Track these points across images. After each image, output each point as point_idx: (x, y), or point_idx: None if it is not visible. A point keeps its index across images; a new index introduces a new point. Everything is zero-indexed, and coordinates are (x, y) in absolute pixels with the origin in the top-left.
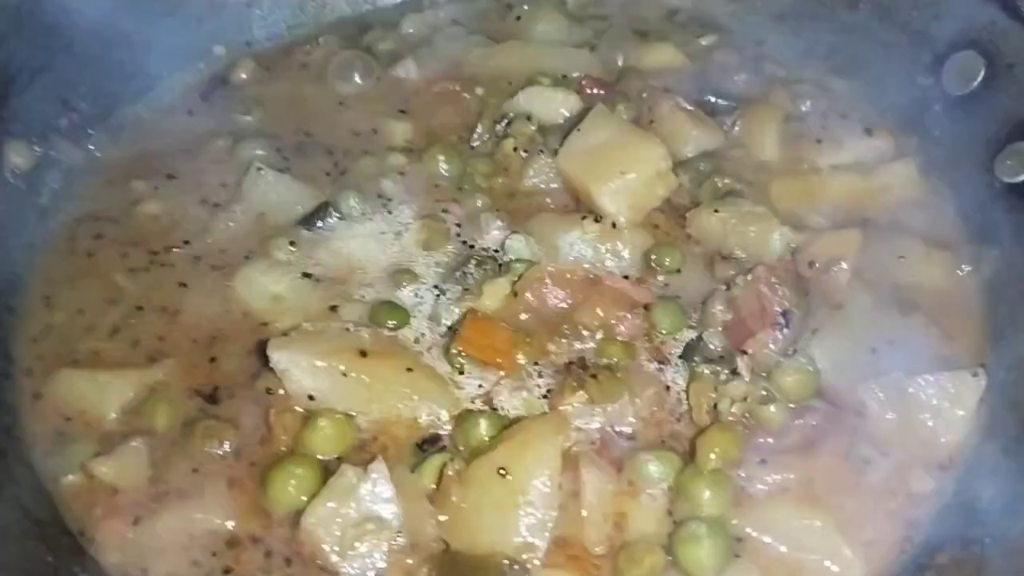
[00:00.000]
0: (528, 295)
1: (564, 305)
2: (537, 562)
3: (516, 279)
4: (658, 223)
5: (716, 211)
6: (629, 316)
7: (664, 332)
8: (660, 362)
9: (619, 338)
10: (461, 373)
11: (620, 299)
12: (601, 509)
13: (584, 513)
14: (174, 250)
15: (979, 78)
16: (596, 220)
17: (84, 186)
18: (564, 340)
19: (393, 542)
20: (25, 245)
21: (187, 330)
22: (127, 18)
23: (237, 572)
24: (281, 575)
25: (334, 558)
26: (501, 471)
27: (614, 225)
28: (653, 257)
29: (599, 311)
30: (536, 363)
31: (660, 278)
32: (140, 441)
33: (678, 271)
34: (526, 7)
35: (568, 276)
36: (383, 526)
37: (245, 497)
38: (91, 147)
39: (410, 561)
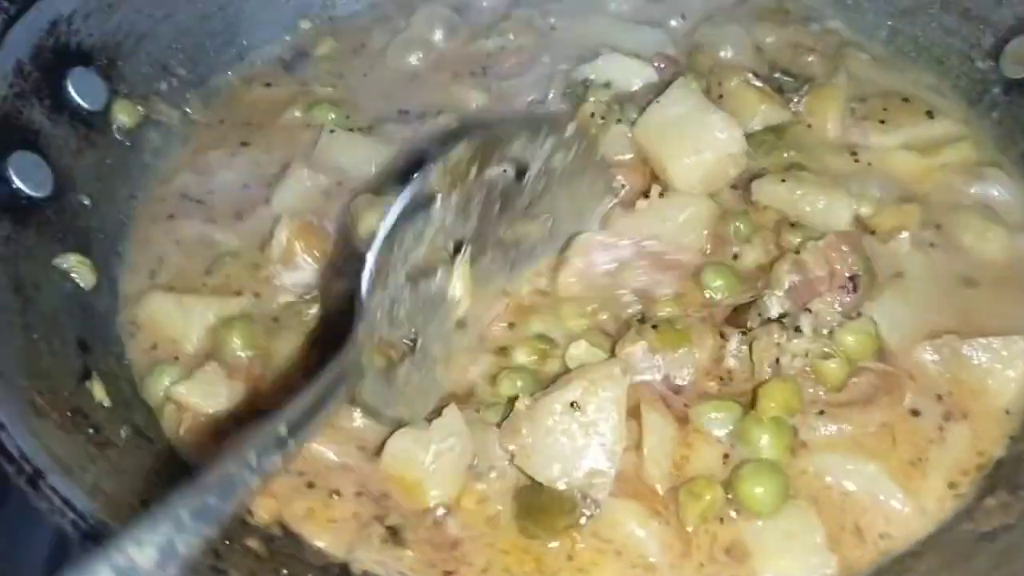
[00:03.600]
0: (576, 260)
1: (611, 267)
2: (607, 491)
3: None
4: (722, 194)
5: (783, 180)
6: (672, 279)
7: (717, 293)
8: (718, 321)
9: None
10: None
11: (662, 263)
12: (662, 449)
13: (645, 451)
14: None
15: None
16: (660, 195)
17: (177, 147)
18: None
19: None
20: (128, 197)
21: None
22: None
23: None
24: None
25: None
26: (574, 404)
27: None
28: (729, 226)
29: (643, 275)
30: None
31: (733, 248)
32: (215, 365)
33: (748, 240)
34: None
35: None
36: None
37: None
38: (188, 110)
39: (482, 487)
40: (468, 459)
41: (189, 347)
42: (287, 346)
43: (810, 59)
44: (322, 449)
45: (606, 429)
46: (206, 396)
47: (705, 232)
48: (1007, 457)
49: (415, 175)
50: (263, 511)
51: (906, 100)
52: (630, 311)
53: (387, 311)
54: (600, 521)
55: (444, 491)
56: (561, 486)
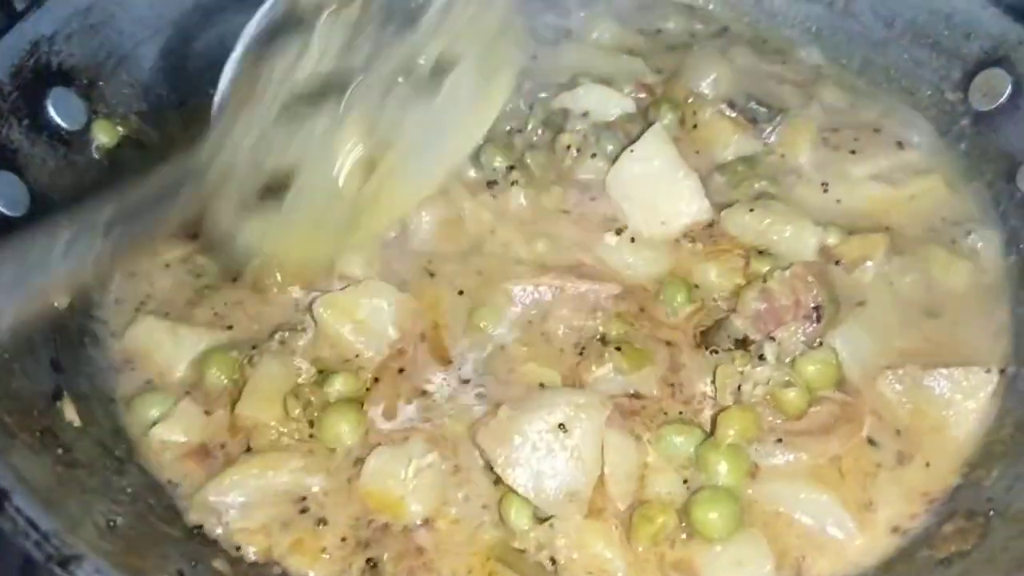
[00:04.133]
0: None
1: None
2: (582, 513)
3: None
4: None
5: (752, 210)
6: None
7: (678, 311)
8: (686, 341)
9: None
10: None
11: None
12: (624, 467)
13: (607, 471)
14: None
15: (1005, 95)
16: (618, 232)
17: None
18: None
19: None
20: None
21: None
22: (205, 14)
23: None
24: None
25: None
26: (562, 427)
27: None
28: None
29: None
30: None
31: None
32: (190, 399)
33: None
34: (582, 13)
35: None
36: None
37: None
38: (168, 131)
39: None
40: (448, 471)
41: (175, 376)
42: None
43: (786, 89)
44: (306, 478)
45: (588, 455)
46: (187, 431)
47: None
48: (964, 484)
49: None
50: (254, 549)
51: (877, 131)
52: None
53: (254, 141)
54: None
55: (425, 506)
56: (538, 501)
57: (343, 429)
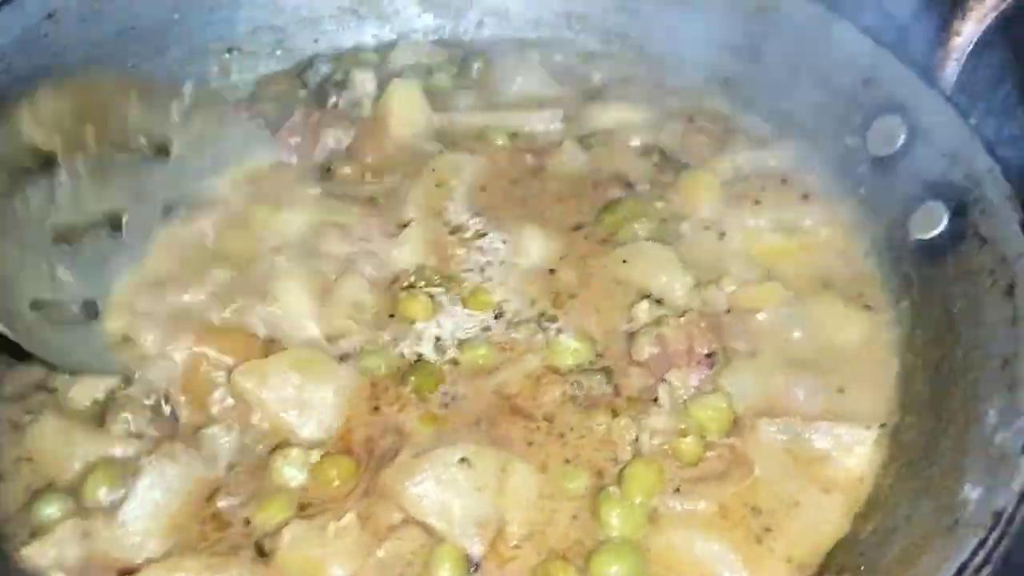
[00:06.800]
0: None
1: None
2: (487, 544)
3: None
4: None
5: (624, 261)
6: None
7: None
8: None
9: None
10: None
11: None
12: (525, 495)
13: (506, 499)
14: None
15: (900, 141)
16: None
17: None
18: None
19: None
20: None
21: None
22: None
23: None
24: None
25: None
26: (464, 461)
27: None
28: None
29: None
30: None
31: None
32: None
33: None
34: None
35: None
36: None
37: None
38: None
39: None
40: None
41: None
42: None
43: (701, 139)
44: None
45: (494, 487)
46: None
47: None
48: (848, 536)
49: None
50: None
51: (784, 181)
52: None
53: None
54: None
55: (347, 567)
56: (448, 534)
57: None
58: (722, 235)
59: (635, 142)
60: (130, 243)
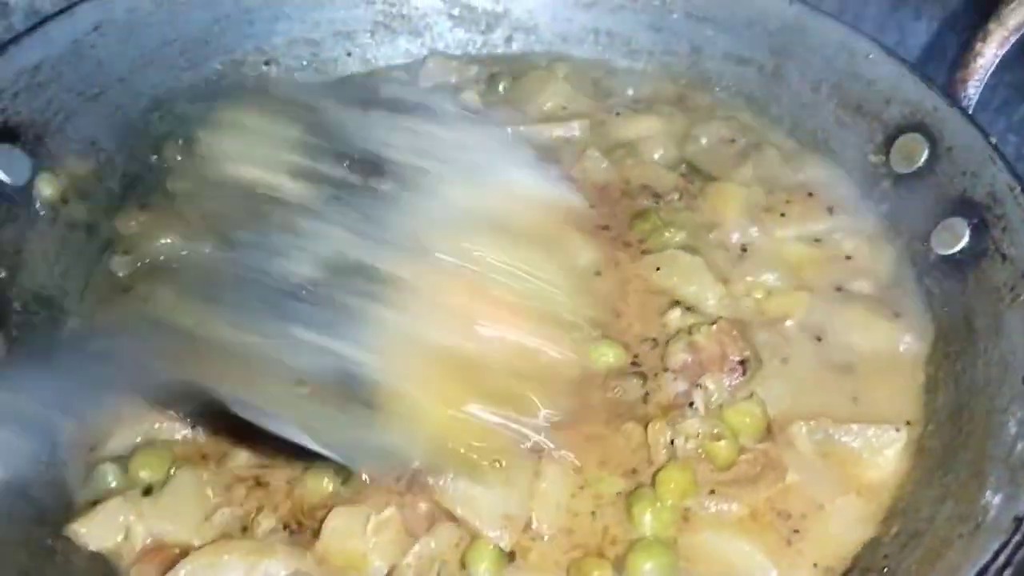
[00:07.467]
0: None
1: None
2: (515, 537)
3: None
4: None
5: (658, 268)
6: None
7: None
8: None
9: None
10: None
11: None
12: (554, 497)
13: (537, 498)
14: None
15: (923, 158)
16: None
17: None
18: None
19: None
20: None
21: None
22: (152, 75)
23: None
24: None
25: None
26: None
27: None
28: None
29: None
30: None
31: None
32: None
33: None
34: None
35: None
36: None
37: None
38: (113, 186)
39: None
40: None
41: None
42: None
43: (727, 153)
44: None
45: (525, 484)
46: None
47: None
48: (875, 538)
49: None
50: None
51: (810, 195)
52: None
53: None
54: None
55: (387, 560)
56: (480, 530)
57: None
58: (750, 245)
59: (660, 153)
60: None
